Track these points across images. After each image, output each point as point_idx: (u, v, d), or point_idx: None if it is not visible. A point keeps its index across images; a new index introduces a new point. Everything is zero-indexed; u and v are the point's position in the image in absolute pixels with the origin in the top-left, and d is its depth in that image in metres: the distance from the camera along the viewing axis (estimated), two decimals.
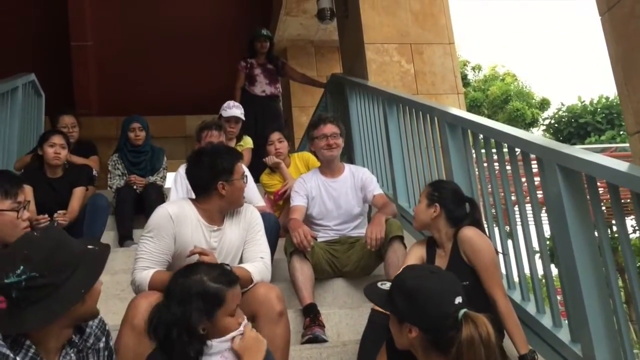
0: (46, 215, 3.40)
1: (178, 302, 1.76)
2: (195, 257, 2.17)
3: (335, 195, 3.32)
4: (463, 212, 2.50)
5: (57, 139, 3.81)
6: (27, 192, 3.16)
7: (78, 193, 3.84)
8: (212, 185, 2.34)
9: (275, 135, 4.08)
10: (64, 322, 1.55)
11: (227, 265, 2.02)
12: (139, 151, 4.45)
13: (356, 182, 3.36)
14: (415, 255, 2.54)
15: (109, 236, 4.05)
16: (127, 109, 6.03)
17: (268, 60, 5.82)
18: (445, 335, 1.70)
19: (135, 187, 4.27)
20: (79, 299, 1.52)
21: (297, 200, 3.31)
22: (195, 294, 1.76)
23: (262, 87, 5.73)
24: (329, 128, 3.36)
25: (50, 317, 1.48)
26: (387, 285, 1.90)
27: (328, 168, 3.41)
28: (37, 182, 3.71)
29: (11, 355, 1.44)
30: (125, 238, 3.99)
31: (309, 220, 3.32)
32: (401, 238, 2.98)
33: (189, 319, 1.73)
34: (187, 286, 1.78)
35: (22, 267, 1.45)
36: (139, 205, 4.17)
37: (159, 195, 4.17)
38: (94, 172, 4.36)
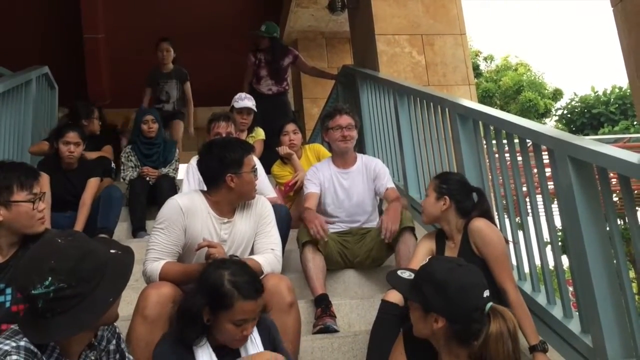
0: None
1: (198, 284, 1.86)
2: (205, 250, 2.19)
3: (347, 186, 3.32)
4: (471, 202, 2.51)
5: (71, 137, 3.80)
6: (44, 183, 3.20)
7: (92, 183, 3.87)
8: (221, 177, 2.34)
9: (291, 127, 4.08)
10: None
11: (236, 256, 2.06)
12: (151, 143, 4.49)
13: (369, 173, 3.34)
14: (425, 247, 2.54)
15: (122, 227, 4.09)
16: (140, 101, 6.06)
17: (274, 56, 5.72)
18: (471, 327, 1.72)
19: (147, 178, 4.31)
20: (107, 307, 1.50)
21: (311, 188, 3.30)
22: (210, 285, 1.81)
23: (269, 86, 5.72)
24: (345, 119, 3.34)
25: (79, 327, 1.46)
26: (407, 274, 1.92)
27: (341, 159, 3.40)
28: (54, 173, 3.75)
29: (38, 353, 1.45)
30: (138, 229, 4.04)
31: (320, 211, 3.31)
32: (412, 229, 2.98)
33: (195, 302, 1.81)
34: (208, 274, 1.85)
35: (50, 279, 1.42)
36: (151, 197, 4.22)
37: (171, 187, 4.20)
38: (112, 165, 4.40)
